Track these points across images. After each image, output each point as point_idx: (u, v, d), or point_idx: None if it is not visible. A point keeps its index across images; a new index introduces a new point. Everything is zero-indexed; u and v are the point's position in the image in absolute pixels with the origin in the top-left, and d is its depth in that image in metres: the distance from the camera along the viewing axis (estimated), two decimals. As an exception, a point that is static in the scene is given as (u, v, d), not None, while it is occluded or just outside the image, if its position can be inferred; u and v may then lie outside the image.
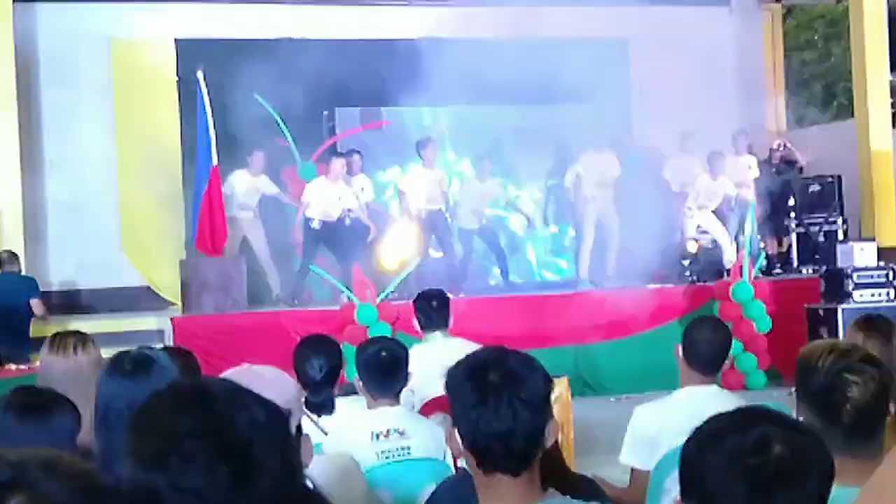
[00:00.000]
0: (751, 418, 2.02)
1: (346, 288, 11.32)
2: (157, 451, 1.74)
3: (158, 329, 11.39)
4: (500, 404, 2.53)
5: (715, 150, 13.28)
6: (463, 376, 2.59)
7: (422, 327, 6.80)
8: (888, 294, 11.51)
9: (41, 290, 11.70)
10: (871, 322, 4.31)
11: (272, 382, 2.65)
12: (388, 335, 7.88)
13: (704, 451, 1.99)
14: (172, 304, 13.41)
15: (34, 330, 11.37)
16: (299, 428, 2.61)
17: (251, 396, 1.82)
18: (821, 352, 3.05)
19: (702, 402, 4.72)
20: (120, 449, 3.04)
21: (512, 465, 2.55)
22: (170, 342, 10.36)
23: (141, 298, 13.77)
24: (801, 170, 14.20)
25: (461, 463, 2.65)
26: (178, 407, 1.78)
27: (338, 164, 12.65)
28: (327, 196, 12.45)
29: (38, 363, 4.48)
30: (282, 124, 13.43)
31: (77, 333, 4.11)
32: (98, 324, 10.89)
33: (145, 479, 1.72)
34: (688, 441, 2.03)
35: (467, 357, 2.65)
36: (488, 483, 2.58)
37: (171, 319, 11.26)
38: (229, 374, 2.76)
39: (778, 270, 13.82)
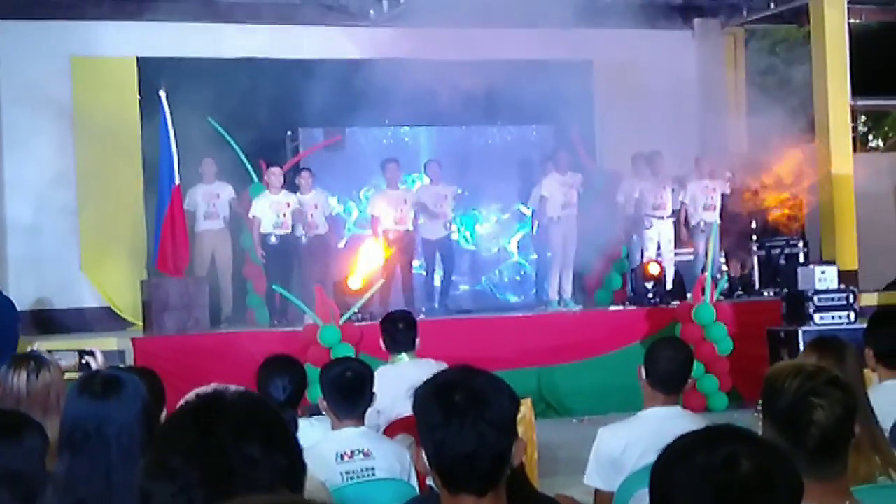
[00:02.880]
0: (719, 436, 2.02)
1: (309, 308, 11.28)
2: (152, 462, 1.85)
3: (119, 350, 11.29)
4: (465, 425, 2.52)
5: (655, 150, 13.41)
6: (429, 396, 2.58)
7: (388, 349, 6.77)
8: (848, 316, 11.61)
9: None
10: (824, 343, 4.35)
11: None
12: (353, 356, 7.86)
13: (673, 468, 1.99)
14: (133, 324, 13.32)
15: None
16: None
17: (261, 430, 1.86)
18: (787, 374, 3.05)
19: (665, 422, 4.73)
20: (86, 471, 3.01)
21: (477, 486, 2.54)
22: (131, 363, 10.27)
23: (101, 319, 13.65)
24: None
25: (429, 482, 2.63)
26: (184, 424, 1.87)
27: (274, 174, 12.67)
28: (276, 207, 12.48)
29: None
30: (235, 146, 13.31)
31: (36, 356, 4.06)
32: (58, 344, 10.65)
33: (141, 485, 1.84)
34: (657, 458, 2.02)
35: (434, 377, 2.65)
36: (454, 502, 2.55)
37: (132, 340, 11.18)
38: (193, 394, 2.73)
39: (740, 293, 13.90)
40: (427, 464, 2.57)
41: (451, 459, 2.53)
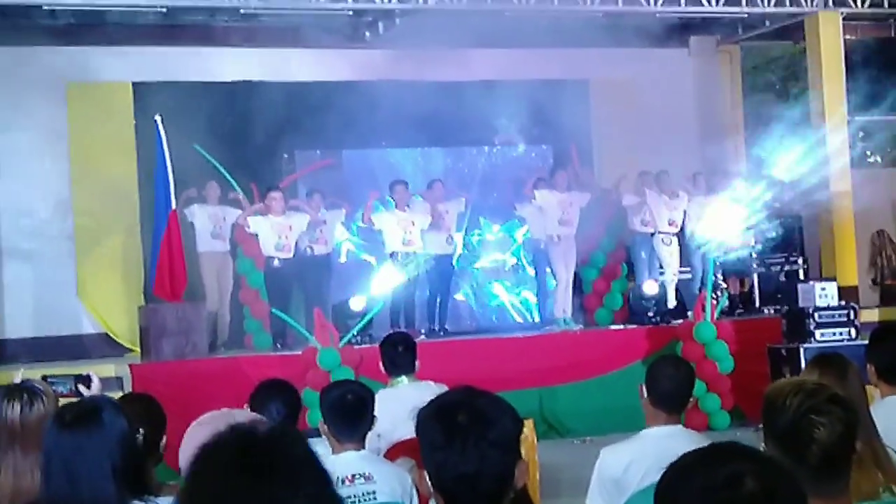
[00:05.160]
0: (722, 454, 2.00)
1: (308, 332, 11.24)
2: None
3: (117, 376, 11.23)
4: (468, 445, 2.50)
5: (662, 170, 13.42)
6: (431, 417, 2.56)
7: (388, 372, 6.73)
8: (849, 333, 11.60)
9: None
10: (826, 359, 4.34)
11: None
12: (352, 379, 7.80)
13: (676, 487, 1.97)
14: (130, 350, 13.27)
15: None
16: None
17: (316, 478, 1.87)
18: (787, 392, 3.02)
19: (667, 441, 4.71)
20: (64, 499, 3.00)
21: None
22: (129, 389, 10.22)
23: (99, 345, 13.62)
24: None
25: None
26: (227, 464, 1.83)
27: (275, 199, 12.62)
28: (277, 228, 12.43)
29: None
30: (224, 172, 13.24)
31: (29, 387, 4.03)
32: (54, 372, 10.69)
33: None
34: (661, 478, 1.99)
35: (436, 398, 2.63)
36: None
37: (130, 366, 11.12)
38: (207, 417, 2.71)
39: (740, 310, 13.87)
40: (430, 485, 2.55)
41: (453, 481, 2.50)
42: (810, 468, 2.88)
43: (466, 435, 2.50)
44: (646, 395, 4.85)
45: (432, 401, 2.62)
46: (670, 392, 4.82)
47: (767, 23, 15.45)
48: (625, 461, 4.73)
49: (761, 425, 3.10)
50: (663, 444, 4.72)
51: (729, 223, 13.43)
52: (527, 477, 2.64)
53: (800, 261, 14.11)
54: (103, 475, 3.06)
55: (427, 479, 2.55)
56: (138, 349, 12.47)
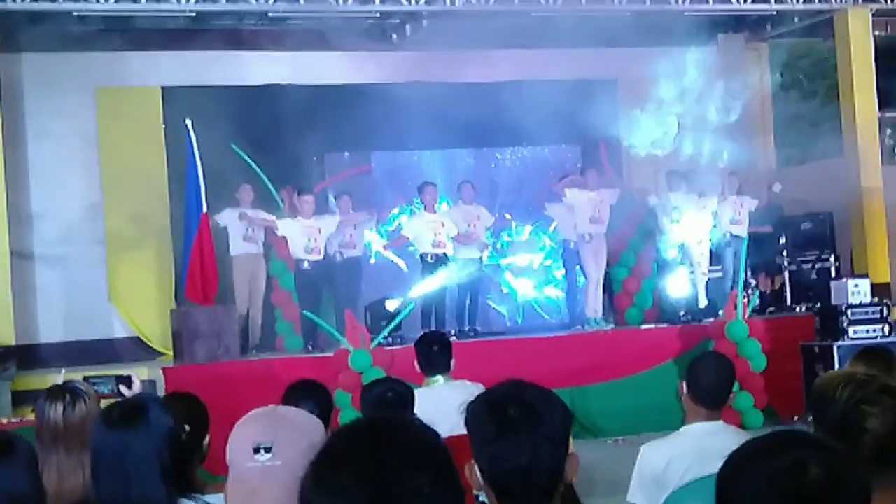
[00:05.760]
0: (787, 441, 1.99)
1: (339, 333, 11.25)
2: (321, 477, 1.83)
3: (150, 380, 11.27)
4: (520, 439, 2.49)
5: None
6: (482, 411, 2.56)
7: (423, 371, 6.70)
8: (883, 330, 11.53)
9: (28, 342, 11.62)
10: (871, 353, 4.31)
11: (299, 425, 2.60)
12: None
13: (740, 474, 1.96)
14: (162, 354, 13.31)
15: (20, 383, 11.29)
16: None
17: (433, 462, 1.86)
18: (838, 383, 3.00)
19: (708, 438, 4.69)
20: (113, 498, 3.01)
21: (533, 500, 2.50)
22: (162, 392, 10.24)
23: (130, 349, 13.66)
24: None
25: (483, 498, 2.60)
26: (358, 444, 1.86)
27: (306, 202, 12.64)
28: (307, 231, 12.45)
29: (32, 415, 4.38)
30: (261, 173, 13.29)
31: (72, 388, 4.04)
32: (97, 371, 10.76)
33: (306, 498, 1.83)
34: (723, 465, 1.98)
35: (486, 392, 2.63)
36: None
37: (163, 370, 11.16)
38: (253, 415, 2.70)
39: (771, 309, 13.79)
40: (480, 479, 2.53)
41: (505, 474, 2.50)
42: (863, 459, 2.85)
43: (517, 428, 2.50)
44: (686, 391, 4.82)
45: (482, 394, 2.62)
46: (711, 388, 4.80)
47: (796, 20, 15.36)
48: (666, 458, 4.71)
49: (799, 419, 3.08)
50: (704, 440, 4.70)
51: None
52: (577, 471, 2.63)
53: (831, 258, 14.01)
54: (152, 474, 3.06)
55: (477, 472, 2.54)
56: (170, 353, 12.50)
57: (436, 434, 1.97)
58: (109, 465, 3.11)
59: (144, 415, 3.19)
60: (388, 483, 1.79)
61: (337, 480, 1.80)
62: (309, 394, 5.02)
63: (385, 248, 14.41)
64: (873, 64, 14.41)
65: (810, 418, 3.15)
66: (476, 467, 2.54)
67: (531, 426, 2.49)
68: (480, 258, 13.61)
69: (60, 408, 3.89)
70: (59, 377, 4.85)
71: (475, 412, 2.56)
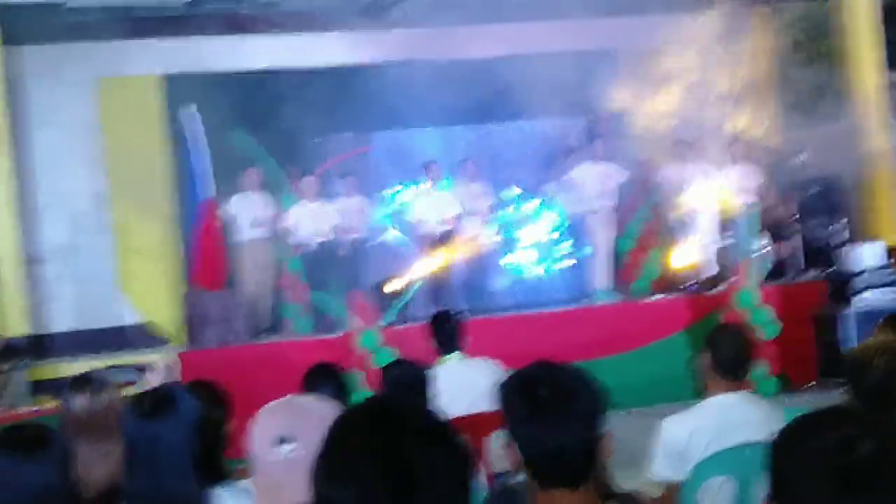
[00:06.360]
0: (834, 417, 1.98)
1: (347, 314, 11.24)
2: (332, 461, 1.83)
3: (167, 366, 11.25)
4: (549, 421, 2.50)
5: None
6: (513, 391, 2.57)
7: (438, 349, 6.67)
8: (896, 293, 11.44)
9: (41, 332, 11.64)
10: (897, 320, 4.27)
11: (318, 412, 2.58)
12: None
13: (788, 454, 1.95)
14: (173, 340, 13.30)
15: (35, 373, 11.31)
16: None
17: (444, 439, 1.85)
18: (874, 352, 2.98)
19: (730, 410, 4.68)
20: (142, 489, 3.00)
21: (570, 479, 2.52)
22: (176, 378, 10.24)
23: (140, 336, 13.65)
24: None
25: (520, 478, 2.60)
26: (367, 427, 1.85)
27: (309, 183, 12.64)
28: (314, 215, 12.45)
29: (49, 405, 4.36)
30: (267, 156, 13.26)
31: (96, 377, 4.03)
32: (101, 364, 10.78)
33: (319, 484, 1.83)
34: (771, 445, 1.95)
35: (516, 372, 2.64)
36: (547, 497, 2.55)
37: (179, 355, 11.14)
38: (273, 406, 2.68)
39: (783, 275, 13.72)
40: (519, 457, 2.53)
41: (540, 454, 2.52)
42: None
43: (549, 409, 2.51)
44: (707, 362, 4.79)
45: (513, 375, 2.64)
46: (733, 359, 4.77)
47: (800, -20, 15.28)
48: (688, 430, 4.70)
49: (844, 387, 3.06)
50: (727, 412, 4.69)
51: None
52: (612, 449, 2.62)
53: (842, 222, 13.91)
54: (184, 463, 3.06)
55: (517, 449, 2.55)
56: (182, 338, 12.50)
57: (440, 414, 1.97)
58: (143, 457, 3.12)
59: (174, 404, 3.19)
60: (402, 462, 1.79)
61: (349, 464, 1.80)
62: (328, 377, 5.03)
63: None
64: (876, 22, 14.30)
65: (841, 389, 3.12)
66: (516, 445, 2.55)
67: (563, 407, 2.51)
68: (486, 234, 13.58)
69: (84, 398, 3.89)
70: (73, 366, 4.84)
71: (507, 392, 2.58)
